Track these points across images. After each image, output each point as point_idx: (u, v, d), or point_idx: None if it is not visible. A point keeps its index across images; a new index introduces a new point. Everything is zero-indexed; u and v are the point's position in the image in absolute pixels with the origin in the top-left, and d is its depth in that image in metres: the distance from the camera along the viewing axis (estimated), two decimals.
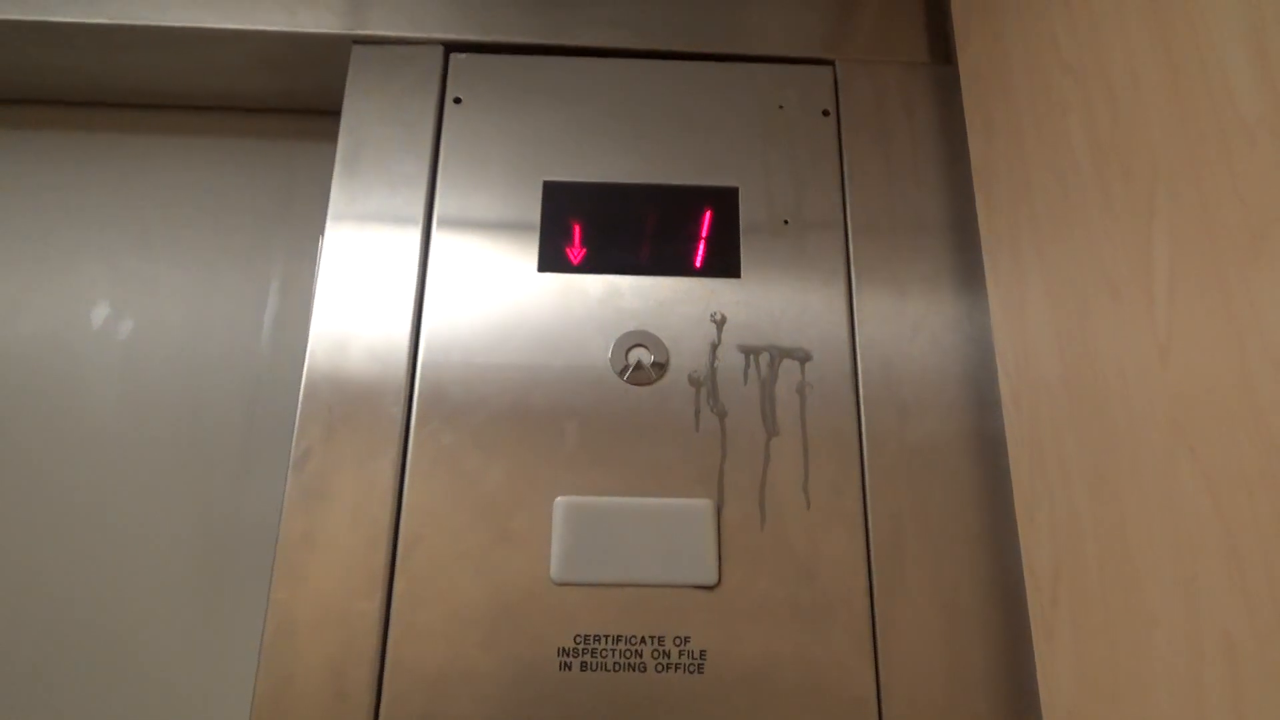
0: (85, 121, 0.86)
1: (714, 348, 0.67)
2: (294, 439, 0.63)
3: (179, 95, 0.85)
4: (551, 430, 0.64)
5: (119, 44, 0.77)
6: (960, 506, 0.63)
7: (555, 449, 0.64)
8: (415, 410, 0.64)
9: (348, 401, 0.64)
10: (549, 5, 0.77)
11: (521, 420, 0.64)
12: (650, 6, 0.77)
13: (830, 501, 0.63)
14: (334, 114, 0.74)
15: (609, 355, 0.67)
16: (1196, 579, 0.42)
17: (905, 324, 0.68)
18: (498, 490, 0.63)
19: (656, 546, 0.62)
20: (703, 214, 0.71)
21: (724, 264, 0.70)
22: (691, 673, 0.59)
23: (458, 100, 0.74)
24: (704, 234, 0.71)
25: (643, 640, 0.60)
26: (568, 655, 0.59)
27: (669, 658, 0.59)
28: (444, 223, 0.70)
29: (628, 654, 0.59)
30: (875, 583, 0.61)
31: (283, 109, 0.86)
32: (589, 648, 0.59)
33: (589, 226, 0.70)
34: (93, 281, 0.81)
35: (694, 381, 0.66)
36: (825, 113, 0.75)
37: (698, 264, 0.70)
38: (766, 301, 0.69)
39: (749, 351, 0.67)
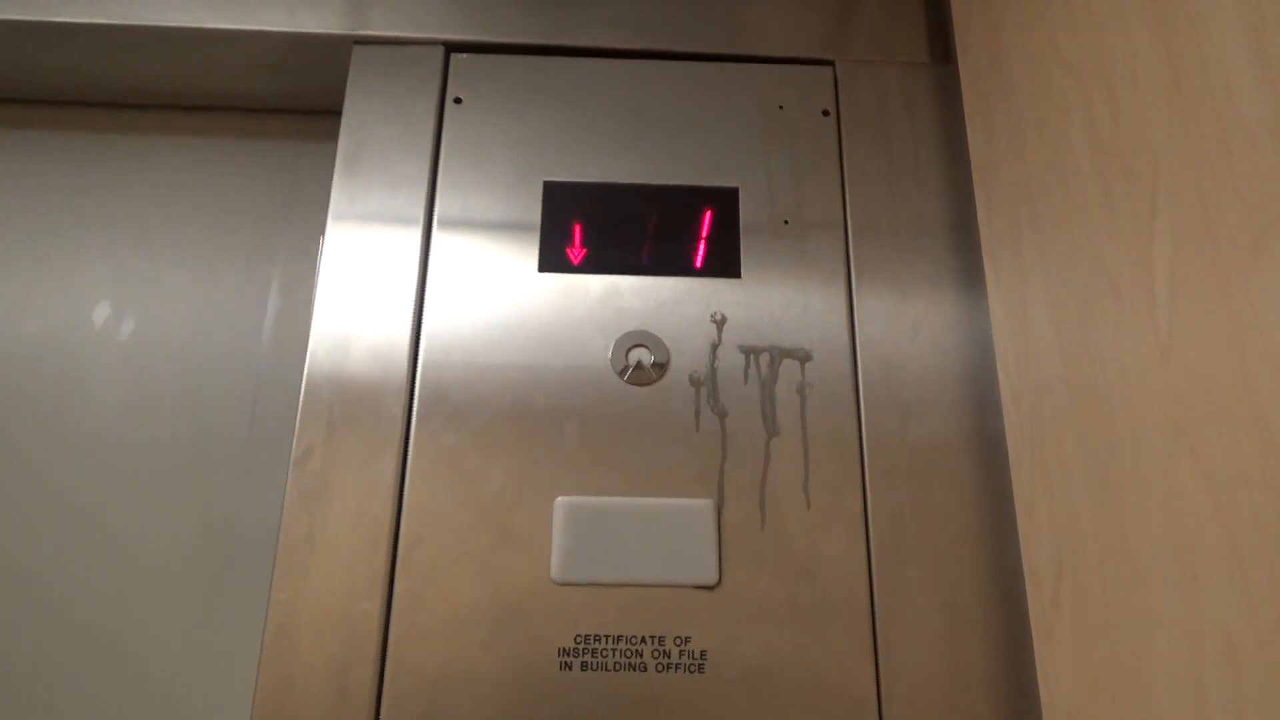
0: (86, 122, 0.86)
1: (714, 348, 0.67)
2: (295, 439, 0.63)
3: (180, 95, 0.85)
4: (552, 430, 0.64)
5: (120, 44, 0.77)
6: (961, 506, 0.63)
7: (556, 449, 0.64)
8: (416, 410, 0.64)
9: (348, 401, 0.64)
10: (549, 5, 0.77)
11: (522, 420, 0.65)
12: (651, 7, 0.77)
13: (831, 501, 0.63)
14: (335, 114, 0.74)
15: (609, 355, 0.67)
16: (1197, 579, 0.42)
17: (906, 324, 0.68)
18: (498, 490, 0.63)
19: (657, 546, 0.62)
20: (703, 214, 0.71)
21: (724, 264, 0.70)
22: (692, 673, 0.59)
23: (458, 100, 0.74)
24: (704, 234, 0.71)
25: (643, 640, 0.60)
26: (568, 655, 0.59)
27: (669, 658, 0.59)
28: (444, 223, 0.70)
29: (628, 654, 0.59)
30: (876, 583, 0.61)
31: (284, 109, 0.86)
32: (589, 648, 0.59)
33: (589, 227, 0.70)
34: (94, 281, 0.81)
35: (694, 381, 0.66)
36: (825, 113, 0.75)
37: (698, 264, 0.70)
38: (767, 302, 0.69)
39: (749, 351, 0.67)
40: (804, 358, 0.67)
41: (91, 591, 0.73)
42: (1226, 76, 0.42)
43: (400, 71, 0.74)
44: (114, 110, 0.86)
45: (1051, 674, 0.55)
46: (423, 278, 0.68)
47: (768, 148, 0.73)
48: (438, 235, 0.70)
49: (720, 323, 0.68)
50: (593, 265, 0.69)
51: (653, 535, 0.62)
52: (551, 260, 0.69)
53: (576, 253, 0.70)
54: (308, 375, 0.65)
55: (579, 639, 0.59)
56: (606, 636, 0.60)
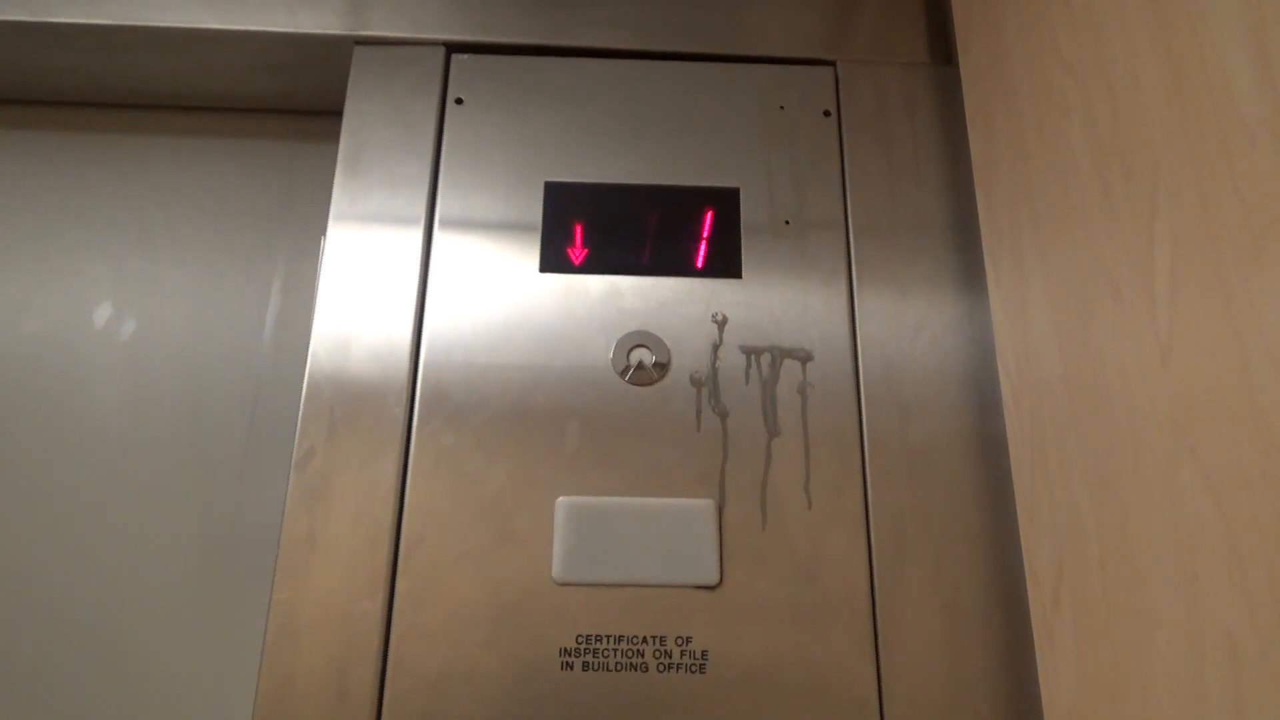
0: (87, 122, 0.86)
1: (715, 348, 0.67)
2: (296, 439, 0.63)
3: (180, 96, 0.85)
4: (553, 430, 0.64)
5: (120, 45, 0.77)
6: (961, 507, 0.63)
7: (557, 449, 0.64)
8: (417, 410, 0.64)
9: (350, 402, 0.64)
10: (550, 6, 0.77)
11: (523, 420, 0.65)
12: (651, 7, 0.77)
13: (831, 502, 0.63)
14: (336, 115, 0.74)
15: (610, 356, 0.67)
16: (1198, 579, 0.42)
17: (906, 324, 0.68)
18: (499, 490, 0.63)
19: (658, 547, 0.62)
20: (704, 214, 0.71)
21: (725, 264, 0.70)
22: (693, 673, 0.59)
23: (459, 101, 0.74)
24: (705, 234, 0.71)
25: (644, 640, 0.60)
26: (569, 655, 0.59)
27: (670, 658, 0.59)
28: (446, 223, 0.70)
29: (629, 654, 0.59)
30: (876, 583, 0.61)
31: (284, 110, 0.86)
32: (591, 648, 0.59)
33: (590, 227, 0.70)
34: (95, 282, 0.81)
35: (695, 382, 0.66)
36: (826, 113, 0.75)
37: (699, 264, 0.70)
38: (768, 302, 0.69)
39: (750, 352, 0.67)
40: (805, 358, 0.67)
41: (92, 592, 0.73)
42: (1227, 76, 0.42)
43: (401, 72, 0.74)
44: (114, 111, 0.86)
45: (1052, 674, 0.55)
46: (424, 278, 0.68)
47: (768, 148, 0.73)
48: (439, 235, 0.70)
49: (721, 323, 0.68)
50: (594, 265, 0.69)
51: (654, 535, 0.62)
52: (552, 260, 0.69)
53: (577, 253, 0.70)
54: (309, 375, 0.65)
55: (580, 639, 0.59)
56: (608, 636, 0.60)
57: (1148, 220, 0.47)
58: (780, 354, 0.67)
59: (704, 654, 0.59)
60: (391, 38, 0.75)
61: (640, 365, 0.66)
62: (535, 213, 0.71)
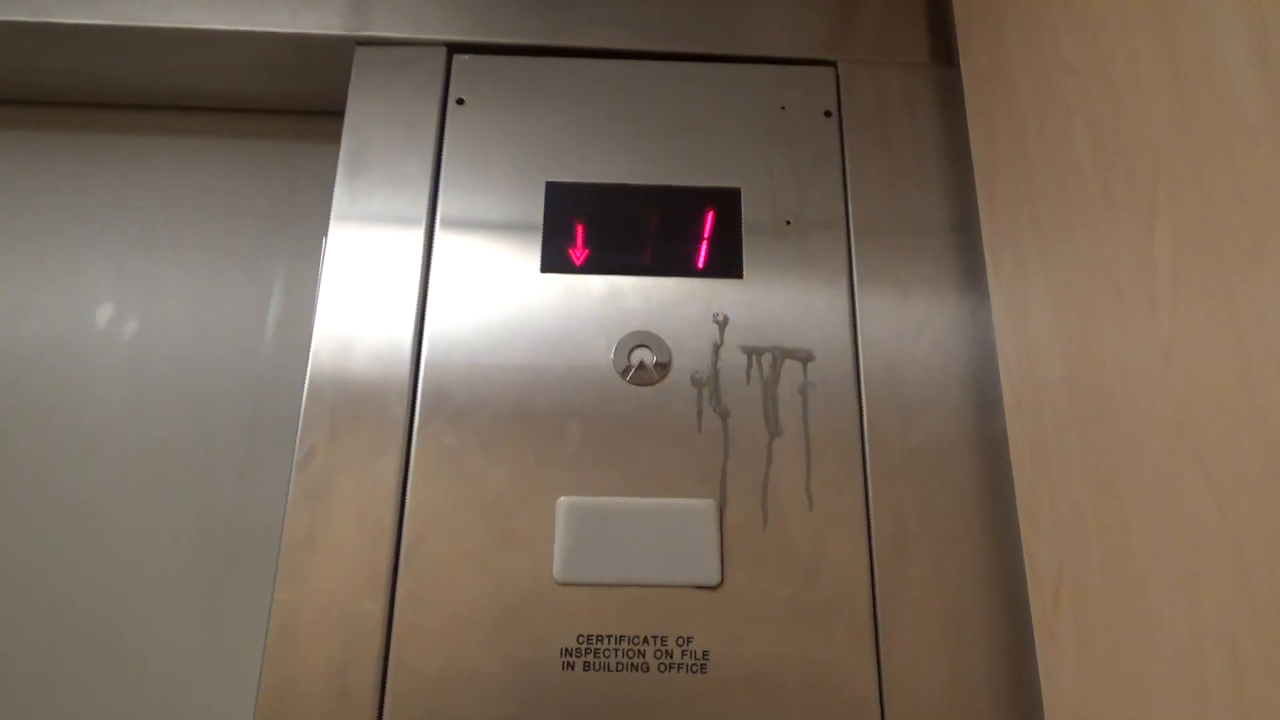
0: (88, 123, 0.86)
1: (716, 348, 0.67)
2: (297, 439, 0.63)
3: (181, 96, 0.85)
4: (554, 431, 0.64)
5: (121, 45, 0.77)
6: (963, 507, 0.63)
7: (558, 449, 0.64)
8: (418, 411, 0.64)
9: (351, 402, 0.64)
10: (551, 6, 0.77)
11: (524, 421, 0.65)
12: (652, 7, 0.77)
13: (832, 502, 0.63)
14: (337, 115, 0.74)
15: (611, 356, 0.67)
16: (1199, 580, 0.42)
17: (908, 324, 0.68)
18: (501, 491, 0.63)
19: (659, 547, 0.62)
20: (705, 215, 0.71)
21: (726, 265, 0.70)
22: (694, 673, 0.59)
23: (460, 101, 0.74)
24: (706, 235, 0.71)
25: (645, 640, 0.60)
26: (571, 655, 0.59)
27: (671, 658, 0.59)
28: (447, 223, 0.70)
29: (630, 654, 0.59)
30: (877, 583, 0.61)
31: (285, 110, 0.86)
32: (592, 648, 0.59)
33: (591, 227, 0.70)
34: (96, 282, 0.82)
35: (696, 382, 0.66)
36: (827, 113, 0.75)
37: (700, 265, 0.70)
38: (769, 302, 0.69)
39: (751, 352, 0.67)
40: (806, 358, 0.67)
41: (93, 592, 0.73)
42: (1228, 77, 0.42)
43: (402, 72, 0.74)
44: (115, 111, 0.86)
45: (1053, 674, 0.55)
46: (425, 278, 0.68)
47: (770, 148, 0.73)
48: (440, 236, 0.70)
49: (722, 323, 0.68)
50: (595, 266, 0.69)
51: (655, 535, 0.62)
52: (554, 261, 0.69)
53: (579, 253, 0.70)
54: (310, 376, 0.65)
55: (581, 639, 0.59)
56: (609, 636, 0.60)
57: (1149, 220, 0.47)
58: (781, 354, 0.67)
59: (705, 654, 0.59)
60: (393, 38, 0.75)
61: (641, 365, 0.66)
62: (536, 213, 0.71)
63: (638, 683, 0.59)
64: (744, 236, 0.71)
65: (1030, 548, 0.58)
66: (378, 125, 0.72)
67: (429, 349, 0.66)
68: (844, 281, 0.70)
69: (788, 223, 0.71)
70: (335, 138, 0.72)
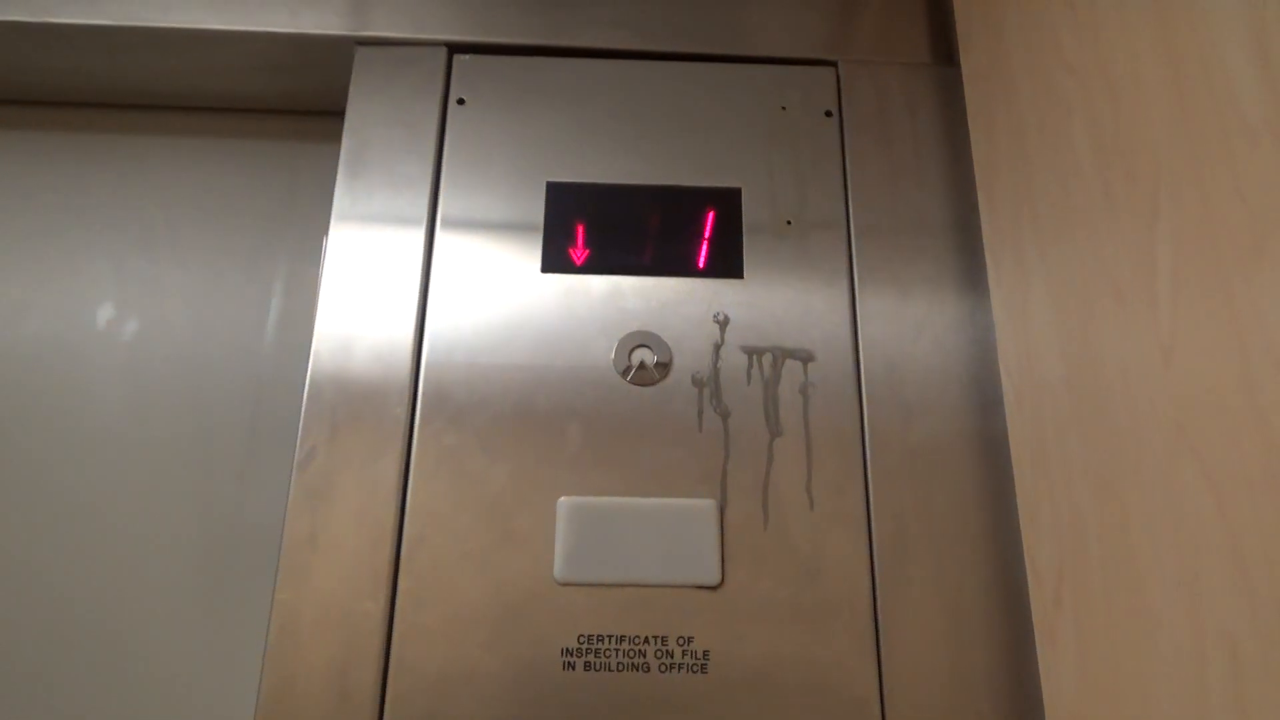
0: (88, 123, 0.86)
1: (717, 348, 0.67)
2: (298, 439, 0.63)
3: (182, 96, 0.85)
4: (555, 431, 0.64)
5: (121, 45, 0.77)
6: (963, 507, 0.63)
7: (558, 449, 0.64)
8: (419, 411, 0.64)
9: (351, 402, 0.64)
10: (552, 6, 0.77)
11: (525, 421, 0.65)
12: (652, 8, 0.77)
13: (833, 502, 0.63)
14: (337, 115, 0.74)
15: (612, 356, 0.67)
16: (1199, 580, 0.42)
17: (908, 324, 0.68)
18: (501, 491, 0.63)
19: (659, 547, 0.62)
20: (706, 215, 0.71)
21: (727, 265, 0.70)
22: (695, 673, 0.59)
23: (461, 101, 0.74)
24: (707, 235, 0.71)
25: (646, 640, 0.60)
26: (571, 655, 0.59)
27: (672, 658, 0.59)
28: (447, 223, 0.70)
29: (631, 654, 0.59)
30: (878, 583, 0.61)
31: (286, 110, 0.86)
32: (592, 648, 0.59)
33: (592, 227, 0.71)
34: (97, 282, 0.81)
35: (697, 382, 0.66)
36: (828, 113, 0.75)
37: (701, 265, 0.70)
38: (769, 302, 0.69)
39: (752, 352, 0.67)
40: (806, 358, 0.67)
41: (94, 592, 0.73)
42: (1229, 77, 0.42)
43: (403, 72, 0.74)
44: (116, 111, 0.86)
45: (1054, 674, 0.55)
46: (426, 278, 0.68)
47: (770, 148, 0.73)
48: (441, 236, 0.70)
49: (723, 323, 0.68)
50: (595, 266, 0.69)
51: (655, 535, 0.62)
52: (554, 261, 0.69)
53: (579, 253, 0.70)
54: (311, 376, 0.65)
55: (582, 639, 0.59)
56: (609, 637, 0.60)
57: (1149, 221, 0.47)
58: (782, 354, 0.67)
59: (705, 654, 0.59)
60: (393, 38, 0.75)
61: (642, 365, 0.66)
62: (537, 213, 0.71)
63: (638, 683, 0.59)
64: (744, 236, 0.71)
65: (1030, 547, 0.58)
66: (378, 125, 0.72)
67: (429, 349, 0.66)
68: (844, 281, 0.70)
69: (788, 223, 0.71)
70: (336, 138, 0.72)
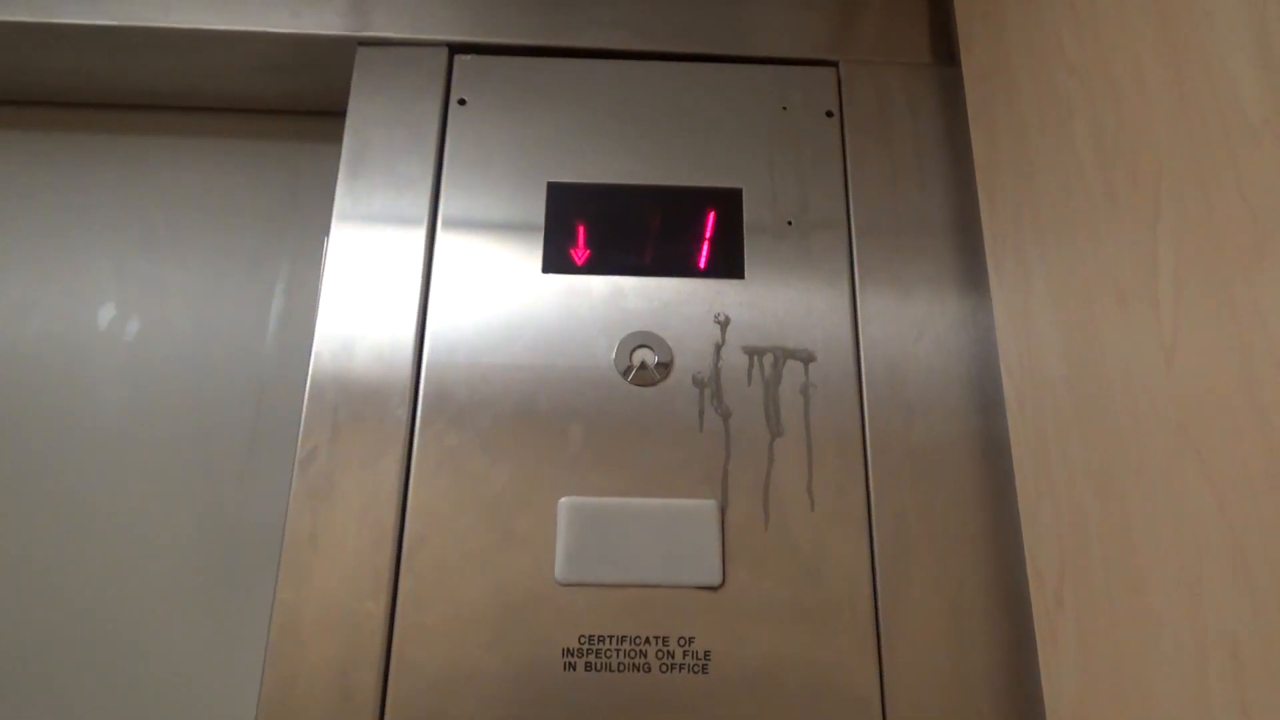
0: (89, 123, 0.86)
1: (718, 348, 0.67)
2: (299, 440, 0.63)
3: (183, 97, 0.85)
4: (555, 431, 0.64)
5: (122, 45, 0.77)
6: (964, 507, 0.63)
7: (559, 449, 0.64)
8: (420, 411, 0.64)
9: (353, 402, 0.64)
10: (553, 7, 0.77)
11: (526, 421, 0.65)
12: (653, 8, 0.77)
13: (834, 502, 0.63)
14: (339, 115, 0.74)
15: (613, 356, 0.67)
16: (1201, 581, 0.42)
17: (909, 325, 0.68)
18: (502, 491, 0.63)
19: (660, 547, 0.62)
20: (706, 215, 0.71)
21: (728, 265, 0.70)
22: (696, 673, 0.59)
23: (462, 101, 0.74)
24: (708, 235, 0.71)
25: (647, 641, 0.60)
26: (572, 655, 0.59)
27: (673, 658, 0.59)
28: (449, 224, 0.70)
29: (632, 654, 0.59)
30: (879, 583, 0.61)
31: (287, 110, 0.86)
32: (593, 648, 0.59)
33: (593, 228, 0.71)
34: (98, 282, 0.82)
35: (698, 382, 0.66)
36: (829, 114, 0.75)
37: (702, 265, 0.70)
38: (770, 302, 0.69)
39: (753, 352, 0.67)
40: (807, 358, 0.67)
41: (96, 592, 0.73)
42: (1231, 77, 0.42)
43: (404, 73, 0.74)
44: (117, 111, 0.87)
45: (1055, 675, 0.55)
46: (427, 279, 0.68)
47: (771, 148, 0.73)
48: (442, 236, 0.70)
49: (724, 323, 0.68)
50: (596, 266, 0.69)
51: (656, 536, 0.62)
52: (555, 261, 0.69)
53: (580, 253, 0.70)
54: (312, 376, 0.65)
55: (583, 639, 0.59)
56: (610, 637, 0.60)
57: (1151, 221, 0.47)
58: (783, 354, 0.67)
59: (706, 654, 0.59)
60: (394, 38, 0.75)
61: (643, 366, 0.66)
62: (538, 213, 0.71)
63: (639, 683, 0.59)
64: (745, 237, 0.71)
65: (1032, 548, 0.58)
66: (379, 125, 0.72)
67: (430, 349, 0.66)
68: (845, 282, 0.70)
69: (789, 223, 0.71)
70: (337, 138, 0.72)
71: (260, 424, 0.78)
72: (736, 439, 0.65)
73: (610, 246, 0.70)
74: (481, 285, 0.68)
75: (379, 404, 0.64)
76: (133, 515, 0.75)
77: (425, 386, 0.65)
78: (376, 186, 0.71)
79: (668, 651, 0.59)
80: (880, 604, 0.61)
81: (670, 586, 0.61)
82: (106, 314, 0.81)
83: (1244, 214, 0.40)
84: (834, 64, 0.77)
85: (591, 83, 0.75)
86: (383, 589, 0.60)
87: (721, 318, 0.68)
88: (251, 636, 0.69)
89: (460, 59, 0.75)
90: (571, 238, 0.70)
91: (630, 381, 0.66)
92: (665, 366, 0.67)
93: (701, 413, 0.66)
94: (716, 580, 0.61)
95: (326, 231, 0.69)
